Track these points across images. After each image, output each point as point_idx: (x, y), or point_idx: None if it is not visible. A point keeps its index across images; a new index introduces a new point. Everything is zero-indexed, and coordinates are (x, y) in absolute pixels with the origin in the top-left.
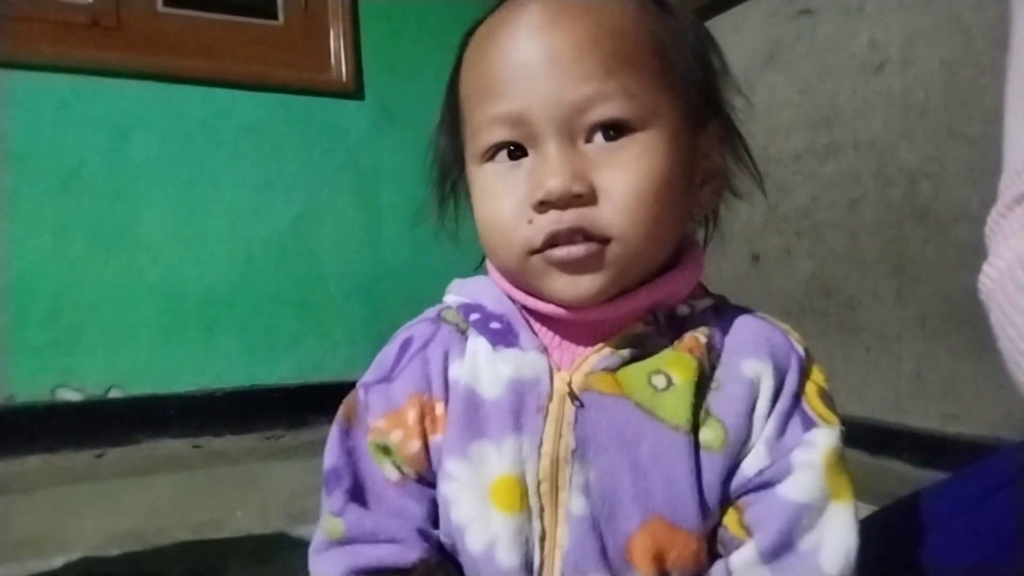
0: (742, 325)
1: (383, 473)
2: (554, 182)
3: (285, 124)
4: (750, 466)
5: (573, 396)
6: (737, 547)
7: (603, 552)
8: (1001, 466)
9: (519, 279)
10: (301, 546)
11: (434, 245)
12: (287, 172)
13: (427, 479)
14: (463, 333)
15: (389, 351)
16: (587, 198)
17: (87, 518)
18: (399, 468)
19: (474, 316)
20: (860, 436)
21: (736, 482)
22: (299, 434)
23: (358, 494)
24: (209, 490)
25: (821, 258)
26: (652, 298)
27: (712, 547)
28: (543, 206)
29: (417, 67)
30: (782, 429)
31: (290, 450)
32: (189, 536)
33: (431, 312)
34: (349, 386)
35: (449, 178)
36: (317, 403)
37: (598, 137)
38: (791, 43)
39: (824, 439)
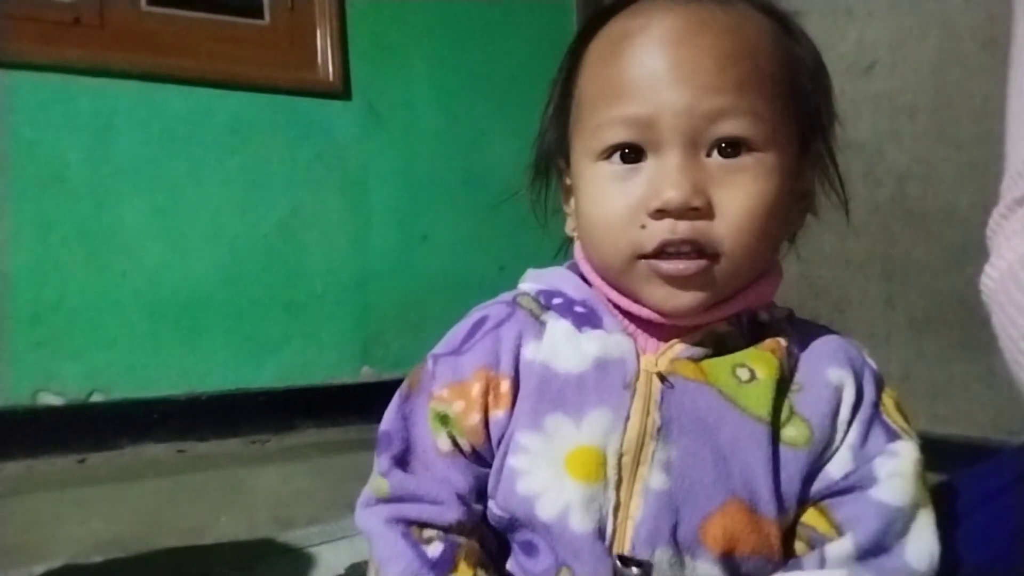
0: (819, 336)
1: (436, 442)
2: (675, 192)
3: (271, 124)
4: (836, 469)
5: (662, 377)
6: (822, 541)
7: (675, 529)
8: (1004, 468)
9: (619, 280)
10: (286, 552)
11: (422, 248)
12: (273, 173)
13: (480, 454)
14: (538, 319)
15: (462, 326)
16: (703, 212)
17: (69, 525)
18: (454, 439)
19: (556, 300)
20: None
21: (821, 483)
22: (285, 438)
23: (405, 459)
24: (193, 495)
25: (810, 259)
26: (740, 308)
27: (787, 546)
28: (660, 214)
29: (405, 67)
30: (864, 437)
31: (276, 454)
32: (173, 542)
33: (507, 296)
34: (336, 389)
35: (551, 166)
36: (303, 407)
37: (718, 152)
38: None
39: (909, 451)
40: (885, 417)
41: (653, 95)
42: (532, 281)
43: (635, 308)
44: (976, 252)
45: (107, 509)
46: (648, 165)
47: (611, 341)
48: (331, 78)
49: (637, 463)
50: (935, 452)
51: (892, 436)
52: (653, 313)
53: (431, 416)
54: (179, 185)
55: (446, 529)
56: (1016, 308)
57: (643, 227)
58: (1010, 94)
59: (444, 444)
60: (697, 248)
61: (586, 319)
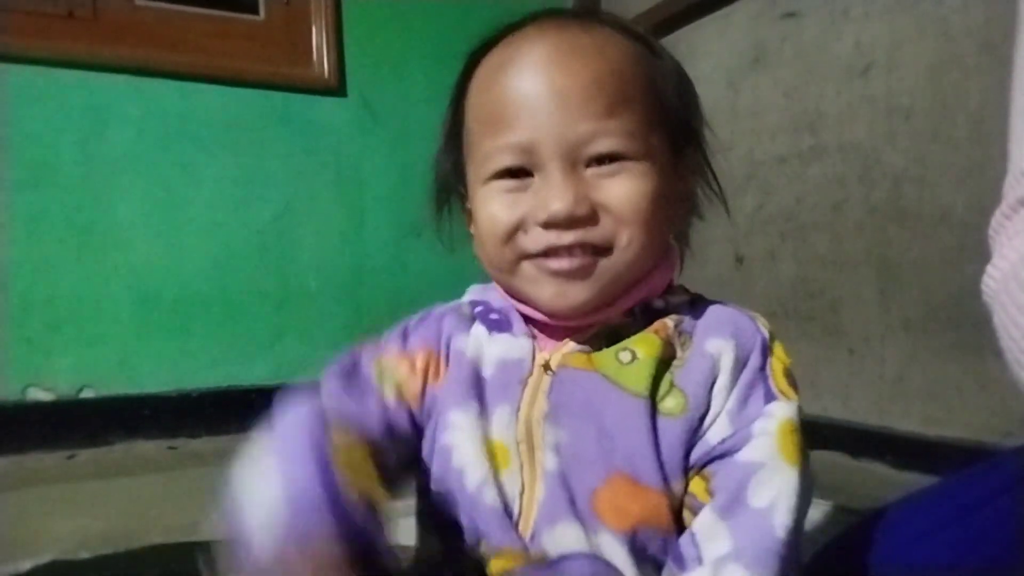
0: (712, 312)
1: (381, 388)
2: (559, 204)
3: (265, 120)
4: (714, 436)
5: (547, 367)
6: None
7: (572, 504)
8: (1003, 469)
9: (510, 283)
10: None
11: (416, 245)
12: (267, 169)
13: (414, 421)
14: (469, 320)
15: (409, 319)
16: (588, 219)
17: (57, 521)
18: (398, 393)
19: (478, 308)
20: (842, 438)
21: (700, 451)
22: None
23: (346, 378)
24: (184, 493)
25: (805, 260)
26: (631, 303)
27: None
28: (548, 226)
29: (400, 65)
30: (744, 401)
31: None
32: (162, 539)
33: (452, 304)
34: None
35: (450, 193)
36: None
37: (596, 164)
38: (776, 46)
39: (781, 410)
40: (770, 382)
41: (530, 121)
42: (470, 295)
43: (529, 311)
44: (971, 254)
45: (96, 506)
46: (534, 182)
47: (514, 344)
48: (326, 74)
49: (532, 448)
50: (929, 454)
51: (769, 399)
52: (546, 317)
53: (376, 367)
54: (172, 180)
55: (368, 446)
56: (1018, 308)
57: (526, 232)
58: (1013, 94)
59: (390, 393)
60: (585, 248)
61: (497, 325)
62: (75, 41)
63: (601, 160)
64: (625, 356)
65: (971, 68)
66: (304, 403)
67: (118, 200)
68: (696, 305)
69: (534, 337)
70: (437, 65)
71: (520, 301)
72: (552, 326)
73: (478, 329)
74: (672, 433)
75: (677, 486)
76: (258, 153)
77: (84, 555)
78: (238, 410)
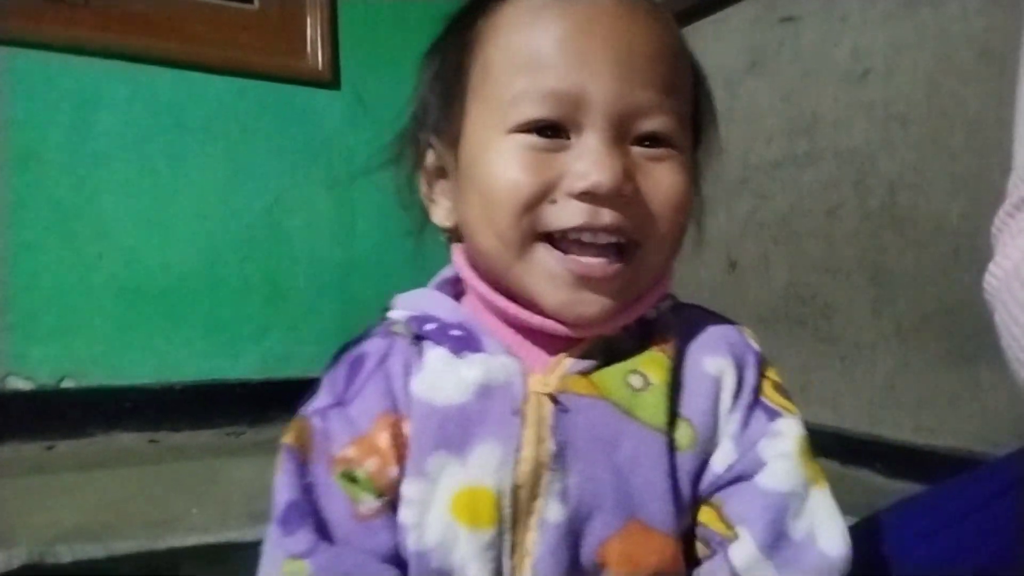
0: (700, 324)
1: (354, 507)
2: (606, 175)
3: (257, 111)
4: (719, 462)
5: (554, 399)
6: (722, 543)
7: (575, 559)
8: (998, 475)
9: (509, 273)
10: (260, 546)
11: (408, 239)
12: (258, 160)
13: None
14: (418, 344)
15: (337, 373)
16: (630, 200)
17: (34, 513)
18: (376, 496)
19: (429, 326)
20: (833, 446)
21: (707, 480)
22: (261, 431)
23: (324, 532)
24: (165, 487)
25: (798, 266)
26: (638, 314)
27: (688, 548)
28: (585, 196)
29: (395, 58)
30: (746, 423)
31: (251, 447)
32: (142, 534)
33: (376, 330)
34: (314, 383)
35: (412, 144)
36: (281, 399)
37: (643, 144)
38: (774, 50)
39: (791, 428)
40: (764, 399)
41: (585, 68)
42: (400, 307)
43: (524, 315)
44: (966, 263)
45: (74, 498)
46: (571, 144)
47: (495, 364)
48: (320, 67)
49: (534, 496)
50: (920, 462)
51: (772, 415)
52: (548, 321)
53: (340, 481)
54: (160, 169)
55: None
56: (1019, 306)
57: (554, 202)
58: (1019, 95)
59: (368, 507)
60: (617, 237)
61: (464, 343)
62: (65, 26)
63: (651, 141)
64: (636, 381)
65: (969, 76)
66: None
67: (105, 188)
68: (680, 314)
69: (515, 355)
70: None
71: (508, 298)
72: (542, 338)
73: (435, 353)
74: (684, 469)
75: (685, 524)
76: (249, 144)
77: (61, 548)
78: (223, 404)
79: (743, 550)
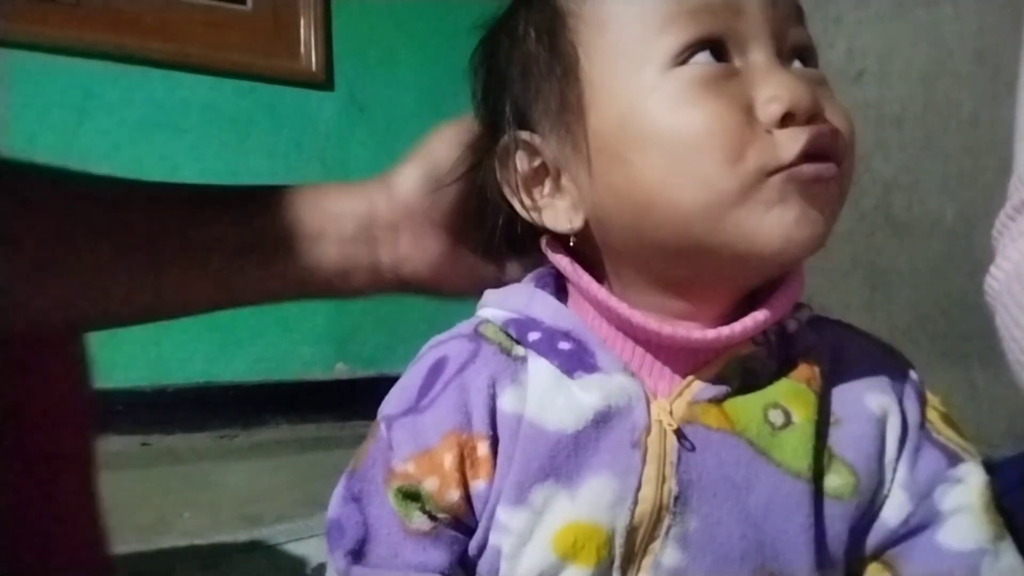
0: (852, 349)
1: (407, 523)
2: (801, 91)
3: (251, 112)
4: (891, 515)
5: (680, 434)
6: None
7: None
8: (1002, 474)
9: (716, 226)
10: (253, 550)
11: None
12: (251, 162)
13: (465, 523)
14: (509, 354)
15: (415, 374)
16: (823, 120)
17: None
18: (431, 515)
19: (533, 336)
20: None
21: (877, 535)
22: (254, 434)
23: (363, 550)
24: (157, 490)
25: None
26: (778, 313)
27: None
28: (788, 119)
29: (389, 59)
30: (914, 466)
31: (244, 450)
32: (134, 538)
33: (465, 327)
34: (309, 385)
35: (499, 141)
36: (275, 402)
37: (800, 60)
38: None
39: (972, 475)
40: (935, 435)
41: None
42: (496, 306)
43: (653, 325)
44: (960, 264)
45: None
46: (739, 68)
47: (613, 386)
48: (314, 67)
49: (652, 538)
50: None
51: (951, 457)
52: (679, 332)
53: (395, 496)
54: (153, 170)
55: None
56: (1020, 308)
57: (770, 132)
58: (1019, 97)
59: (422, 523)
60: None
61: (576, 359)
62: (57, 26)
63: (806, 55)
64: (776, 417)
65: (963, 77)
66: None
67: None
68: (823, 331)
69: (635, 374)
70: (426, 60)
71: (711, 251)
72: (660, 350)
73: (541, 367)
74: (841, 520)
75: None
76: (242, 146)
77: None
78: (215, 407)
79: None
